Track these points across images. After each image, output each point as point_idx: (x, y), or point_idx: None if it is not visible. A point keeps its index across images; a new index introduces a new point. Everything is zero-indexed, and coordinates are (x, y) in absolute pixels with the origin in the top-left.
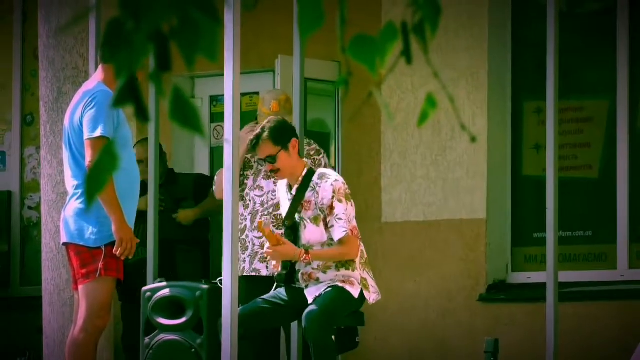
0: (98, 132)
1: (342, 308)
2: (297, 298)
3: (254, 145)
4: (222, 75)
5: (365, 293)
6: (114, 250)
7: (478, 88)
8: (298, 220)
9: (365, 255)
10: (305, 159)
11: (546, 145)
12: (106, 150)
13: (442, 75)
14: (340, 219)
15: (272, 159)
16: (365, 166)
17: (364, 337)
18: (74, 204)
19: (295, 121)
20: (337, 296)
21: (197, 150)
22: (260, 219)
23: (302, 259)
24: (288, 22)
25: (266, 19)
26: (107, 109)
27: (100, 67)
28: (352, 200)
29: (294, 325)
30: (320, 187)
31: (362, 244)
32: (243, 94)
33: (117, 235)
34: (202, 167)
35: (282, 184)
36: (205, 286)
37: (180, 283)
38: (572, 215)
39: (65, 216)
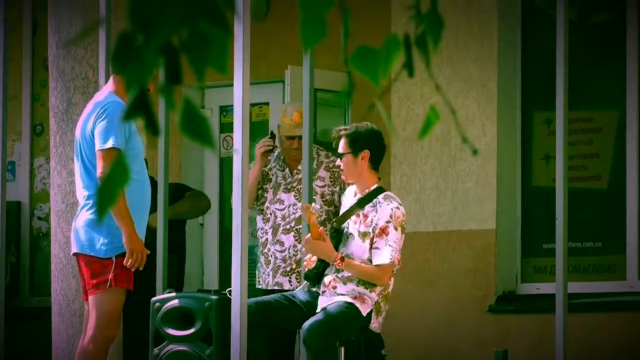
0: (109, 144)
1: (346, 322)
2: (312, 303)
3: (337, 137)
4: (232, 85)
5: (374, 316)
6: (124, 262)
7: (488, 99)
8: (348, 230)
9: (390, 290)
10: (325, 171)
11: (556, 156)
12: (117, 162)
13: (452, 87)
14: (391, 245)
15: (340, 157)
16: None
17: None
18: (84, 215)
19: (305, 131)
20: (343, 310)
21: (206, 160)
22: (283, 232)
23: (335, 263)
24: (297, 32)
25: (276, 30)
26: (119, 120)
27: (111, 78)
28: (404, 233)
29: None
30: (381, 206)
31: (393, 280)
32: (253, 104)
33: (127, 246)
34: (211, 177)
35: (351, 189)
36: (214, 297)
37: (190, 294)
38: (582, 226)
39: (75, 226)
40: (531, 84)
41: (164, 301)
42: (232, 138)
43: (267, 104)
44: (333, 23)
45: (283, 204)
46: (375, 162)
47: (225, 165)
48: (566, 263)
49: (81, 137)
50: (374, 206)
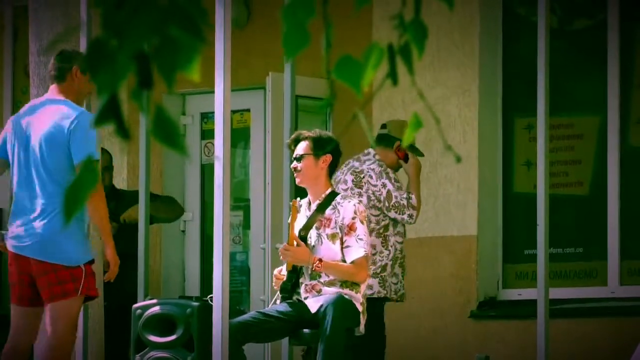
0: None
1: (351, 315)
2: (295, 311)
3: (295, 139)
4: (213, 92)
5: (362, 318)
6: (106, 276)
7: (469, 105)
8: (315, 237)
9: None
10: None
11: (537, 162)
12: (87, 168)
13: (433, 93)
14: (361, 239)
15: (298, 159)
16: None
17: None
18: (49, 223)
19: (285, 138)
20: (347, 303)
21: (188, 167)
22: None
23: (314, 266)
24: (278, 39)
25: (257, 37)
26: (91, 130)
27: (52, 87)
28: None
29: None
30: (342, 206)
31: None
32: (234, 111)
33: (110, 259)
34: (192, 184)
35: (304, 202)
36: (195, 303)
37: (171, 300)
38: (563, 232)
39: (39, 233)
40: (512, 89)
41: (145, 308)
42: (213, 145)
43: (248, 110)
44: (314, 30)
45: None
46: (332, 169)
47: (207, 172)
48: (547, 269)
49: (44, 145)
50: (334, 208)
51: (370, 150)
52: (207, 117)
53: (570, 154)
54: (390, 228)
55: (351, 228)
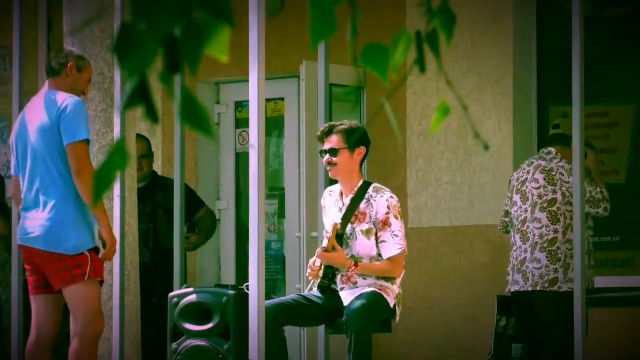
0: (80, 136)
1: (380, 311)
2: (331, 300)
3: (326, 132)
4: (247, 80)
5: (397, 309)
6: (101, 255)
7: (503, 94)
8: (349, 231)
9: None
10: (540, 173)
11: (572, 151)
12: (117, 148)
13: (468, 81)
14: (396, 235)
15: (333, 153)
16: (390, 172)
17: (391, 342)
18: (49, 214)
19: (319, 126)
20: (377, 299)
21: (222, 155)
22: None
23: (350, 270)
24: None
25: (290, 25)
26: (83, 113)
27: (46, 82)
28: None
29: (321, 328)
30: (375, 200)
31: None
32: (268, 100)
33: (107, 239)
34: (227, 172)
35: (335, 191)
36: (231, 292)
37: (207, 288)
38: (599, 220)
39: (40, 224)
40: (547, 78)
41: (182, 296)
42: (247, 133)
43: (282, 99)
44: (347, 18)
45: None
46: (363, 160)
47: (241, 160)
48: (584, 257)
49: (39, 136)
50: (368, 201)
51: (551, 149)
52: (241, 105)
53: (605, 142)
54: None
55: (385, 223)
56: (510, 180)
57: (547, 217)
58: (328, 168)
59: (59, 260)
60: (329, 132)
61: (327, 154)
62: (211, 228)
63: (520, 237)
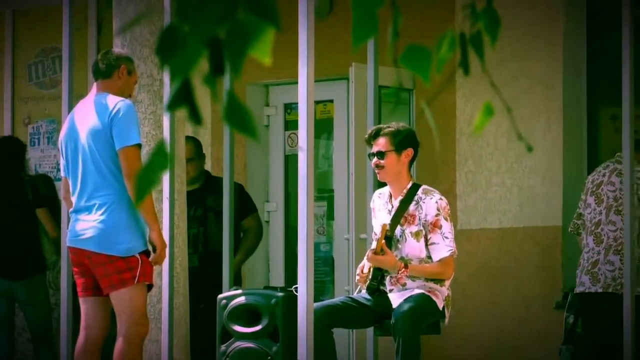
0: (133, 140)
1: (428, 314)
2: (380, 302)
3: (374, 135)
4: (296, 83)
5: (446, 311)
6: (150, 259)
7: (553, 95)
8: (398, 234)
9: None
10: (616, 176)
11: (622, 153)
12: (158, 151)
13: (518, 84)
14: (447, 237)
15: (381, 155)
16: (440, 173)
17: (441, 344)
18: (101, 216)
19: (368, 129)
20: (425, 302)
21: (271, 157)
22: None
23: (400, 272)
24: None
25: (339, 27)
26: (134, 116)
27: (94, 85)
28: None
29: (370, 330)
30: (424, 202)
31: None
32: (317, 102)
33: (157, 242)
34: (276, 175)
35: (384, 194)
36: (280, 294)
37: (256, 290)
38: None
39: (92, 226)
40: (596, 80)
41: (231, 298)
42: (296, 135)
43: (331, 101)
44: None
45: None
46: (412, 162)
47: (290, 162)
48: (634, 259)
49: (91, 139)
50: (417, 203)
51: None
52: (290, 107)
53: None
54: None
55: (435, 225)
56: (585, 182)
57: (622, 220)
58: (376, 171)
59: (110, 263)
60: (376, 135)
61: (375, 157)
62: (253, 245)
63: (594, 239)
